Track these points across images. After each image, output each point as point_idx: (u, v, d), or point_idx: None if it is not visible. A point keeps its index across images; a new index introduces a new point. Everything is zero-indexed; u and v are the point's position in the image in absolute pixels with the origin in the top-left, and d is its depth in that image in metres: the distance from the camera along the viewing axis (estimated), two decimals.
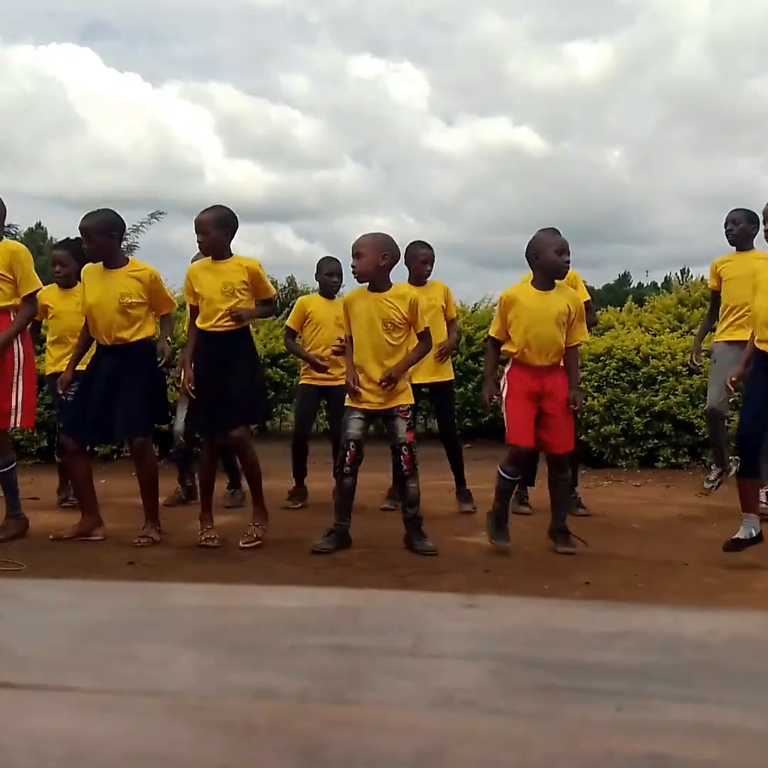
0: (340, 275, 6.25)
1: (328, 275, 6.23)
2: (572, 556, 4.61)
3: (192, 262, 6.08)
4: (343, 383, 5.48)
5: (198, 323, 4.91)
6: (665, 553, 4.66)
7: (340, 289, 6.40)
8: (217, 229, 4.83)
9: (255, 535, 4.84)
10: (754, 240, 5.70)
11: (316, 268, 6.36)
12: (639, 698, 0.65)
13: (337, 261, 6.32)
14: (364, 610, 0.85)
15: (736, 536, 4.47)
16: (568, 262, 4.76)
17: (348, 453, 4.73)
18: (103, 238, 4.81)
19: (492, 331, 4.89)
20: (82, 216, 4.84)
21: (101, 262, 4.88)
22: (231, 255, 4.91)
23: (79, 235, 4.85)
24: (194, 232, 4.89)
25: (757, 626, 0.82)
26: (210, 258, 4.93)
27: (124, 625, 0.82)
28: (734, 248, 5.76)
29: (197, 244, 4.97)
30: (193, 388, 4.88)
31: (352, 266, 4.75)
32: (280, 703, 0.65)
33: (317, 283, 6.43)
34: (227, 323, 4.83)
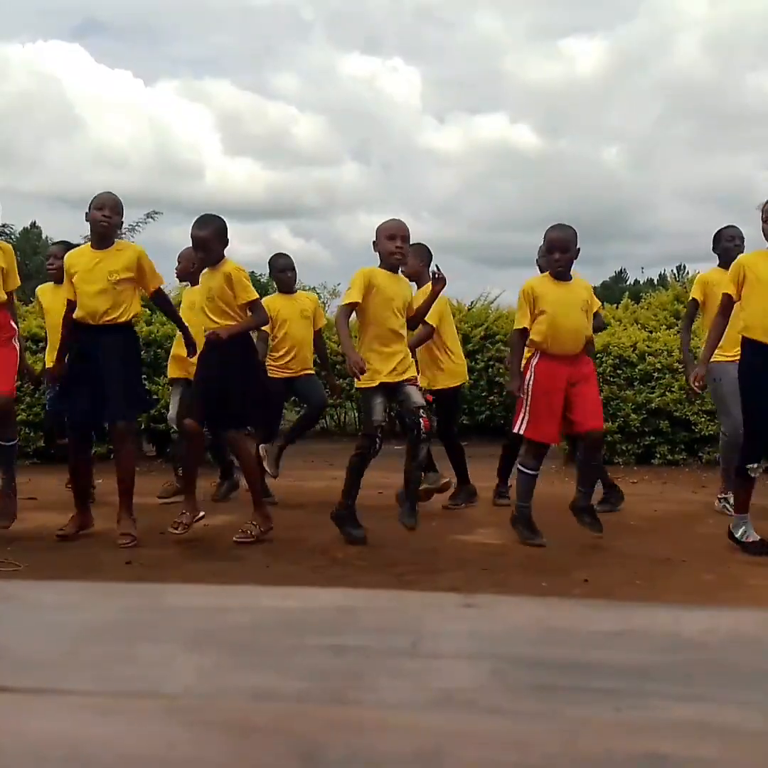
0: (294, 270, 6.32)
1: (282, 271, 6.29)
2: (570, 554, 4.61)
3: (180, 260, 6.20)
4: (303, 375, 6.03)
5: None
6: (663, 550, 4.66)
7: (295, 283, 6.47)
8: (218, 244, 4.88)
9: (250, 532, 4.87)
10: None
11: (269, 267, 6.42)
12: (639, 697, 0.65)
13: (288, 256, 6.39)
14: (363, 610, 0.85)
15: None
16: (558, 260, 4.76)
17: (377, 440, 4.73)
18: (120, 218, 4.97)
19: (523, 324, 4.82)
20: (102, 192, 4.92)
21: (88, 244, 4.94)
22: (221, 259, 4.95)
23: (99, 211, 4.82)
24: (193, 247, 4.91)
25: (756, 624, 0.82)
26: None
27: (123, 627, 0.82)
28: (718, 263, 5.78)
29: (198, 260, 4.99)
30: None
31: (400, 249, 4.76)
32: (279, 704, 0.65)
33: (274, 282, 6.53)
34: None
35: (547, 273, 4.91)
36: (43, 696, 0.67)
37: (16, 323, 5.19)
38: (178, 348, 5.66)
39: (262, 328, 5.61)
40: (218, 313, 4.82)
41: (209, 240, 4.82)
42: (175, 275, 6.45)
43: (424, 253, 6.04)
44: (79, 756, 0.58)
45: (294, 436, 6.45)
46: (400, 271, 5.01)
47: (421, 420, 4.67)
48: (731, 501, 5.68)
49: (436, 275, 4.82)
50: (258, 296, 4.96)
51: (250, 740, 0.60)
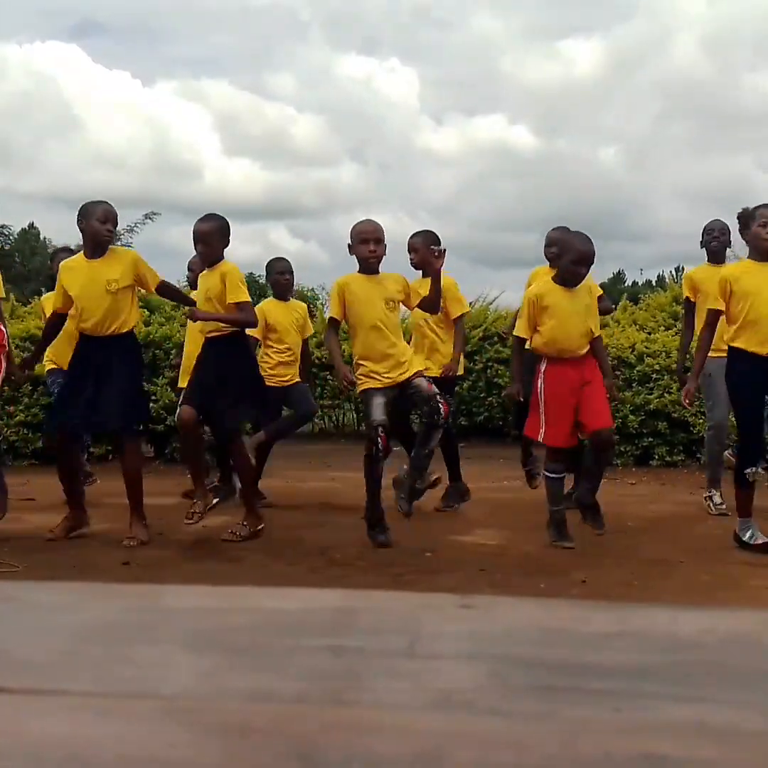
0: (292, 273, 6.27)
1: (280, 274, 6.24)
2: (568, 555, 4.61)
3: (190, 268, 6.16)
4: (297, 383, 5.95)
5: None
6: (660, 551, 4.66)
7: (293, 288, 6.43)
8: (218, 240, 4.88)
9: (238, 533, 4.85)
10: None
11: (266, 271, 6.38)
12: (636, 698, 0.65)
13: (286, 260, 6.34)
14: (361, 611, 0.85)
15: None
16: (583, 275, 4.74)
17: (380, 438, 4.66)
18: (116, 227, 5.01)
19: (520, 332, 4.85)
20: (101, 203, 4.88)
21: (81, 254, 4.94)
22: (220, 259, 4.96)
23: (102, 225, 4.82)
24: (193, 241, 4.90)
25: (754, 624, 0.83)
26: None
27: (121, 628, 0.82)
28: (707, 259, 5.77)
29: (198, 254, 4.99)
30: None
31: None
32: (277, 705, 0.65)
33: (271, 285, 6.44)
34: (214, 332, 4.86)
35: (550, 278, 4.87)
36: (42, 696, 0.67)
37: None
38: (188, 360, 5.61)
39: (253, 334, 5.58)
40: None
41: (209, 233, 4.84)
42: (188, 283, 6.47)
43: (431, 240, 5.98)
44: (78, 757, 0.58)
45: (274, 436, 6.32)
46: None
47: (440, 405, 4.65)
48: (715, 500, 5.72)
49: (436, 253, 4.77)
50: (249, 299, 4.98)
51: (248, 741, 0.60)
